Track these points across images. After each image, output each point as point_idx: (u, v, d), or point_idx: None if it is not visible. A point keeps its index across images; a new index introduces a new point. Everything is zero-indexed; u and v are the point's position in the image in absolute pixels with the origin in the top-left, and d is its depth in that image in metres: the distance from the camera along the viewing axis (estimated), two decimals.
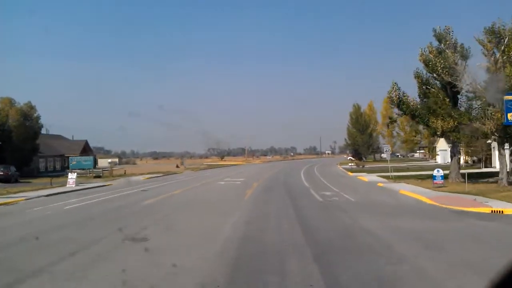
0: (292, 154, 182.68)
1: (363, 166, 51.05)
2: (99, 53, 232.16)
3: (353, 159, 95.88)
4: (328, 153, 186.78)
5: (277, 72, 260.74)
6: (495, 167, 34.61)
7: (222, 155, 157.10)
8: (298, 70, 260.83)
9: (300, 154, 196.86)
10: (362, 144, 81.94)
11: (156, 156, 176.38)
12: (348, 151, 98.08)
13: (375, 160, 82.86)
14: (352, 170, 44.37)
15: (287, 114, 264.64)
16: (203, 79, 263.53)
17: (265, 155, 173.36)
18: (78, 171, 41.60)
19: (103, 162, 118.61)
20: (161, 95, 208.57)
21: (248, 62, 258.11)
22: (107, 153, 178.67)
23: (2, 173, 35.28)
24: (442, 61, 23.57)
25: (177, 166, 72.32)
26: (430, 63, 24.71)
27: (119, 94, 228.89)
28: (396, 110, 27.80)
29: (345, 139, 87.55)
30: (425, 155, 79.44)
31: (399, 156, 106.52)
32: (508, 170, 22.46)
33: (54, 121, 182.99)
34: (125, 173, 46.23)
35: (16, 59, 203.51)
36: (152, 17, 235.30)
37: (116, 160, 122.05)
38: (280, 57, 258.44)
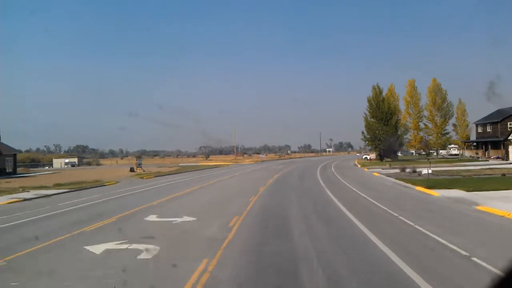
0: (289, 152, 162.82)
1: (417, 172, 29.99)
2: (98, 52, 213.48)
3: (369, 158, 74.94)
4: (329, 151, 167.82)
5: (273, 70, 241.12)
6: None
7: (208, 154, 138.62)
8: (294, 69, 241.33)
9: (294, 152, 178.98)
10: (385, 137, 60.68)
11: (142, 154, 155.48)
12: (368, 148, 76.53)
13: (397, 160, 60.95)
14: (422, 184, 23.24)
15: (281, 113, 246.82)
16: (198, 77, 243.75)
17: (258, 153, 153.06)
18: None
19: (58, 163, 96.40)
20: (155, 93, 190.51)
21: (243, 59, 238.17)
22: (92, 152, 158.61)
23: None
24: None
25: (131, 170, 50.91)
26: None
27: (113, 91, 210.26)
28: None
29: (363, 132, 66.33)
30: (476, 153, 58.28)
31: (415, 155, 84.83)
32: None
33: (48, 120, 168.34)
34: None
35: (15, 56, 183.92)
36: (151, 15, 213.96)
37: (75, 160, 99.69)
38: (277, 55, 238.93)
